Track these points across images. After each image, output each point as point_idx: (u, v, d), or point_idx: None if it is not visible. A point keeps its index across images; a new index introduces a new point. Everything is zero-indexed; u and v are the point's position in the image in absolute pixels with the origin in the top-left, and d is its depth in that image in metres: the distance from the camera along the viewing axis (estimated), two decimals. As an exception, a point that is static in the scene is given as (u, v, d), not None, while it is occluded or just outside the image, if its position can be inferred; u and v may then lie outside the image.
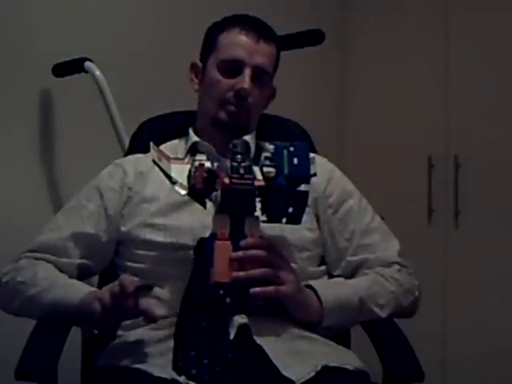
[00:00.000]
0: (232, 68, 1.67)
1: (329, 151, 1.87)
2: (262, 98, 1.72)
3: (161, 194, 1.65)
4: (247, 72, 1.66)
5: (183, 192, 1.47)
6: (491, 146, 2.77)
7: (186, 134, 1.77)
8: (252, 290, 1.44)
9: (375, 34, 3.11)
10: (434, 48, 2.93)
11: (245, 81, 1.66)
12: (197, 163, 1.45)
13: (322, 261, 1.70)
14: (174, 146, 1.75)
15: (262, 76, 1.69)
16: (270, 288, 1.46)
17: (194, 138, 1.74)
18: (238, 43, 1.68)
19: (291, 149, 1.45)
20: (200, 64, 1.76)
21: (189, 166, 1.47)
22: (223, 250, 1.44)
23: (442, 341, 2.86)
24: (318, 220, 1.69)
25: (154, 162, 1.50)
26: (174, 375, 1.38)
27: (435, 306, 2.79)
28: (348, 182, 1.78)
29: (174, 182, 1.48)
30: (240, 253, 1.45)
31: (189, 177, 1.46)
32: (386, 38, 3.07)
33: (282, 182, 1.43)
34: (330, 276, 1.70)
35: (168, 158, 1.51)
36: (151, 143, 1.53)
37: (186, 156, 1.69)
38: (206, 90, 1.72)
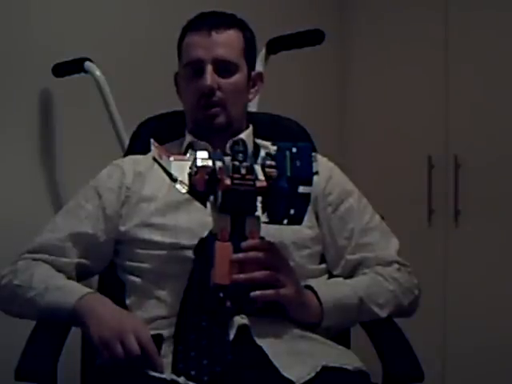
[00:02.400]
0: (195, 70, 1.67)
1: (329, 151, 1.87)
2: (235, 87, 1.69)
3: (159, 194, 1.65)
4: (208, 69, 1.66)
5: (184, 190, 1.47)
6: (491, 146, 2.77)
7: (184, 134, 1.77)
8: (253, 294, 1.43)
9: (375, 34, 3.11)
10: (434, 48, 2.93)
11: (205, 78, 1.65)
12: (198, 162, 1.44)
13: (323, 259, 1.70)
14: (170, 148, 1.75)
15: (226, 66, 1.68)
16: (270, 291, 1.46)
17: (189, 138, 1.73)
18: (193, 44, 1.68)
19: (294, 150, 1.43)
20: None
21: (189, 163, 1.47)
22: (224, 252, 1.43)
23: (442, 341, 2.86)
24: (317, 218, 1.69)
25: (154, 159, 1.50)
26: (174, 376, 1.38)
27: (435, 306, 2.79)
28: (347, 181, 1.78)
29: (174, 180, 1.48)
30: (240, 255, 1.44)
31: (189, 174, 1.46)
32: (386, 38, 3.07)
33: (284, 185, 1.42)
34: (330, 275, 1.70)
35: (168, 155, 1.51)
36: (151, 139, 1.52)
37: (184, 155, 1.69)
38: (182, 97, 1.74)
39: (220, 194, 1.43)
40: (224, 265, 1.42)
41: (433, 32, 2.94)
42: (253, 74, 1.76)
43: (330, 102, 3.17)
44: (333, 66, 3.17)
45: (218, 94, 1.66)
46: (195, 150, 1.49)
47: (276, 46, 2.35)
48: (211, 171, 1.43)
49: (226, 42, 1.68)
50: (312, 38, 2.33)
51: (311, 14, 2.93)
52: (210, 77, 1.65)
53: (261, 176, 1.44)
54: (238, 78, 1.70)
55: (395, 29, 3.05)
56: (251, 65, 1.75)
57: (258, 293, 1.44)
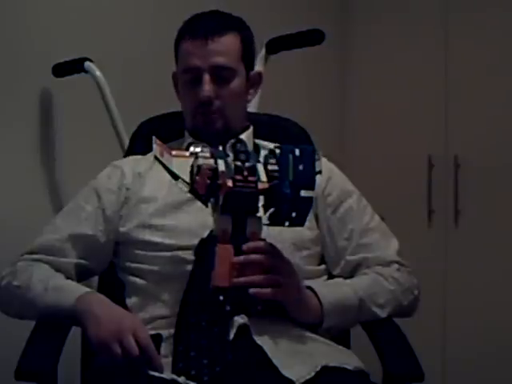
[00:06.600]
0: (193, 77, 1.67)
1: (329, 151, 1.87)
2: (234, 94, 1.68)
3: (159, 195, 1.65)
4: (205, 78, 1.65)
5: (186, 189, 1.45)
6: (491, 147, 2.77)
7: (184, 135, 1.77)
8: (251, 290, 1.42)
9: (375, 34, 3.11)
10: (433, 48, 2.93)
11: (203, 89, 1.65)
12: (200, 161, 1.42)
13: (322, 260, 1.70)
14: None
15: (223, 73, 1.67)
16: (267, 289, 1.44)
17: (189, 138, 1.73)
18: (189, 51, 1.67)
19: (297, 153, 1.41)
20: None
21: (191, 160, 1.44)
22: (224, 254, 1.41)
23: (441, 341, 2.86)
24: (316, 219, 1.69)
25: (155, 157, 1.49)
26: (174, 375, 1.38)
27: (435, 306, 2.79)
28: (347, 182, 1.78)
29: (176, 178, 1.46)
30: (241, 257, 1.43)
31: (191, 173, 1.43)
32: (386, 38, 3.07)
33: (287, 190, 1.39)
34: (330, 275, 1.70)
35: (170, 152, 1.49)
36: (154, 137, 1.50)
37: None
38: (181, 100, 1.74)
39: (222, 196, 1.42)
40: (224, 267, 1.40)
41: (433, 32, 2.94)
42: (251, 74, 1.75)
43: (330, 102, 3.17)
44: (333, 66, 3.17)
45: (216, 102, 1.66)
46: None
47: (276, 45, 2.35)
48: (213, 175, 1.41)
49: (222, 50, 1.66)
50: (312, 37, 2.33)
51: (311, 14, 2.93)
52: (207, 87, 1.64)
53: (263, 177, 1.42)
54: (235, 83, 1.69)
55: (395, 29, 3.05)
56: (249, 65, 1.74)
57: (255, 290, 1.43)
